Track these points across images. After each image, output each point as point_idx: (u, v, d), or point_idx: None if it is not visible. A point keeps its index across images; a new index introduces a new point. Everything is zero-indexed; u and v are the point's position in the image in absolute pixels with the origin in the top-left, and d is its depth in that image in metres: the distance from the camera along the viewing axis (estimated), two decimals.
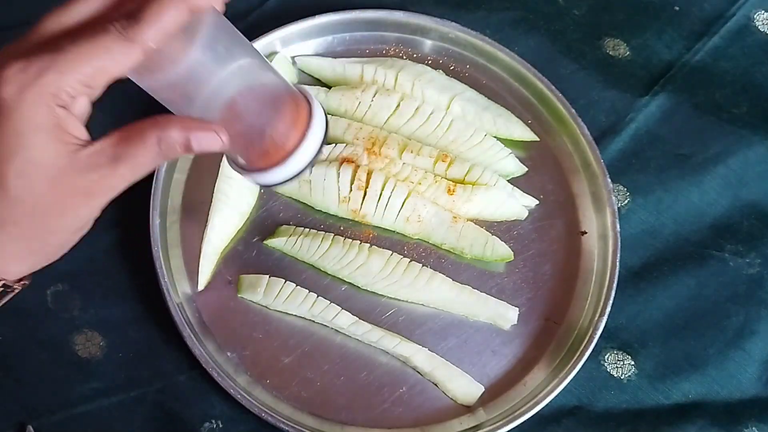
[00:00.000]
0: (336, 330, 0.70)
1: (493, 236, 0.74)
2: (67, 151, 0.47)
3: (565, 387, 0.68)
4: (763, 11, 0.89)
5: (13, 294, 0.52)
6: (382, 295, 0.72)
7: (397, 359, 0.70)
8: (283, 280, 0.71)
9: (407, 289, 0.71)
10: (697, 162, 0.81)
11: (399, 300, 0.72)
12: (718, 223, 0.79)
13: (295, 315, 0.70)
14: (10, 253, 0.49)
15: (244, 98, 0.50)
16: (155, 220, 0.70)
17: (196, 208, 0.74)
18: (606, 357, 0.73)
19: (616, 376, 0.72)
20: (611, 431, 0.70)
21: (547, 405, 0.68)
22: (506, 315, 0.72)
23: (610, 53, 0.86)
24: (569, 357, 0.70)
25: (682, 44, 0.87)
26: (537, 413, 0.67)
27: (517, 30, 0.86)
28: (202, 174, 0.75)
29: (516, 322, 0.72)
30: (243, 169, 0.53)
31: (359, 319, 0.70)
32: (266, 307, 0.70)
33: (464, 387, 0.69)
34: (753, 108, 0.84)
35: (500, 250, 0.74)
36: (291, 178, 0.52)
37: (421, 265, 0.72)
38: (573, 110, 0.79)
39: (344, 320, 0.69)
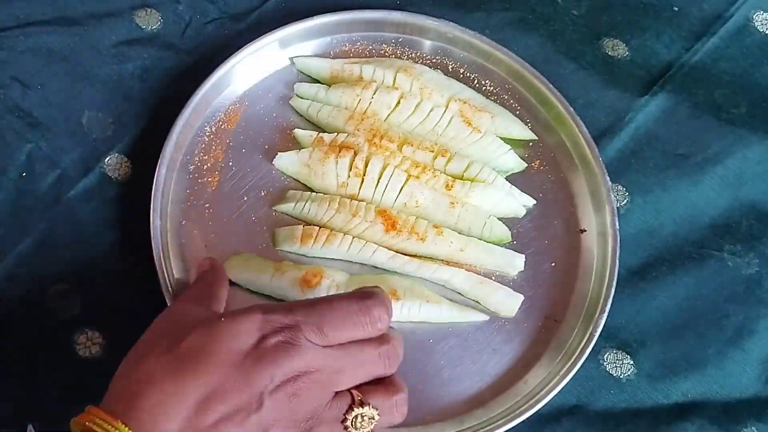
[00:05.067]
0: None
1: (492, 217, 0.75)
2: None
3: (565, 386, 0.68)
4: (762, 11, 0.90)
5: None
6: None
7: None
8: (318, 228, 0.72)
9: (416, 244, 0.72)
10: (696, 162, 0.81)
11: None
12: (717, 223, 0.79)
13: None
14: None
15: None
16: (155, 221, 0.70)
17: (196, 208, 0.74)
18: (605, 356, 0.73)
19: (615, 375, 0.72)
20: (610, 431, 0.70)
21: (546, 404, 0.68)
22: (513, 262, 0.74)
23: (609, 53, 0.86)
24: (569, 355, 0.70)
25: (681, 44, 0.87)
26: (536, 412, 0.68)
27: (516, 30, 0.86)
28: (203, 174, 0.75)
29: (523, 269, 0.73)
30: None
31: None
32: (305, 255, 0.72)
33: (504, 299, 0.72)
34: (752, 108, 0.85)
35: (498, 231, 0.75)
36: None
37: (427, 222, 0.73)
38: (572, 110, 0.79)
39: (382, 256, 0.72)
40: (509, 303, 0.72)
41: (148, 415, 0.49)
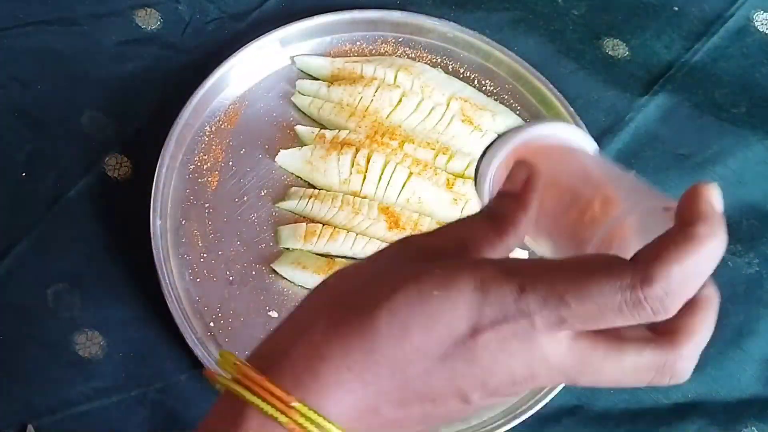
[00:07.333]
0: None
1: None
2: None
3: (565, 386, 0.68)
4: (762, 11, 0.90)
5: None
6: None
7: None
8: (321, 225, 0.72)
9: None
10: (697, 162, 0.81)
11: None
12: None
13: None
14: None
15: None
16: (156, 221, 0.70)
17: (196, 208, 0.74)
18: None
19: None
20: (610, 431, 0.70)
21: (546, 404, 0.68)
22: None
23: (610, 53, 0.86)
24: None
25: (681, 44, 0.87)
26: (536, 412, 0.67)
27: (516, 30, 0.86)
28: (203, 174, 0.75)
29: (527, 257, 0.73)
30: None
31: None
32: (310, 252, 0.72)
33: None
34: (752, 108, 0.85)
35: None
36: None
37: (430, 219, 0.74)
38: (572, 110, 0.79)
39: None
40: None
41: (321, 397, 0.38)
